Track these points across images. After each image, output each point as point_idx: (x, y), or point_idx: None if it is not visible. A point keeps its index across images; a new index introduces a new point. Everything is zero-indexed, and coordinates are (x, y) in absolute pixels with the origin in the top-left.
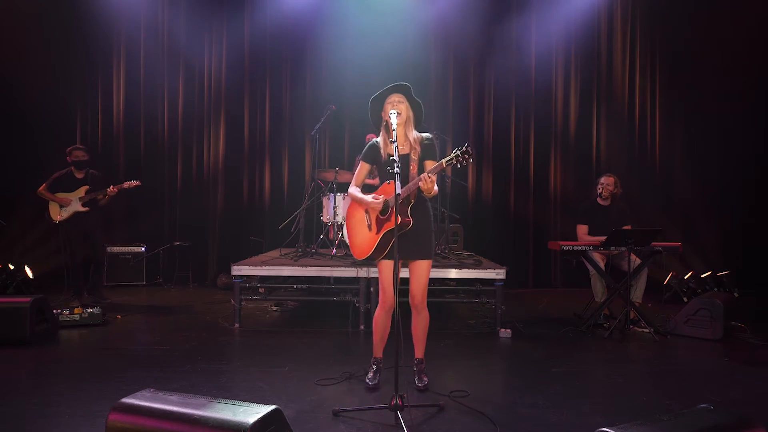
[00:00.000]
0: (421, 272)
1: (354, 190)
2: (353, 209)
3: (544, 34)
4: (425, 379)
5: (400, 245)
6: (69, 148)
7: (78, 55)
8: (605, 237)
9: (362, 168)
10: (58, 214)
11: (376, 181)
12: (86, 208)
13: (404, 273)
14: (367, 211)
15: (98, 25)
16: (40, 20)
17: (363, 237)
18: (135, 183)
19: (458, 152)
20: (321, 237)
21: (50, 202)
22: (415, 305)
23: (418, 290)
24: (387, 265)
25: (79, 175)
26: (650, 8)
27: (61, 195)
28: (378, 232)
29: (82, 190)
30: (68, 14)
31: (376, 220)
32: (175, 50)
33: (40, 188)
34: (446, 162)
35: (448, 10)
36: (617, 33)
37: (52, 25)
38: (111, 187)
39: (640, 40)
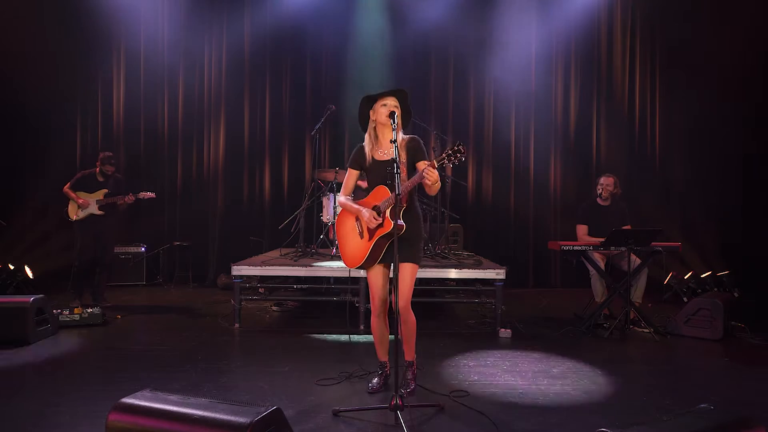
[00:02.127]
0: (405, 275)
1: (344, 199)
2: (343, 217)
3: (544, 34)
4: (412, 384)
5: (388, 249)
6: (105, 154)
7: (78, 55)
8: (605, 237)
9: (350, 175)
10: (75, 213)
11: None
12: (102, 212)
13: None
14: (357, 219)
15: (98, 25)
16: (41, 20)
17: (355, 245)
18: (150, 195)
19: (449, 151)
20: (321, 237)
21: (71, 201)
22: (399, 309)
23: (403, 294)
24: (376, 270)
25: (101, 178)
26: (650, 8)
27: (81, 195)
28: (370, 239)
29: (100, 194)
30: (68, 14)
31: (368, 227)
32: (175, 50)
33: (65, 187)
34: (438, 162)
35: (448, 9)
36: (617, 33)
37: (52, 25)
38: (129, 195)
39: (640, 40)
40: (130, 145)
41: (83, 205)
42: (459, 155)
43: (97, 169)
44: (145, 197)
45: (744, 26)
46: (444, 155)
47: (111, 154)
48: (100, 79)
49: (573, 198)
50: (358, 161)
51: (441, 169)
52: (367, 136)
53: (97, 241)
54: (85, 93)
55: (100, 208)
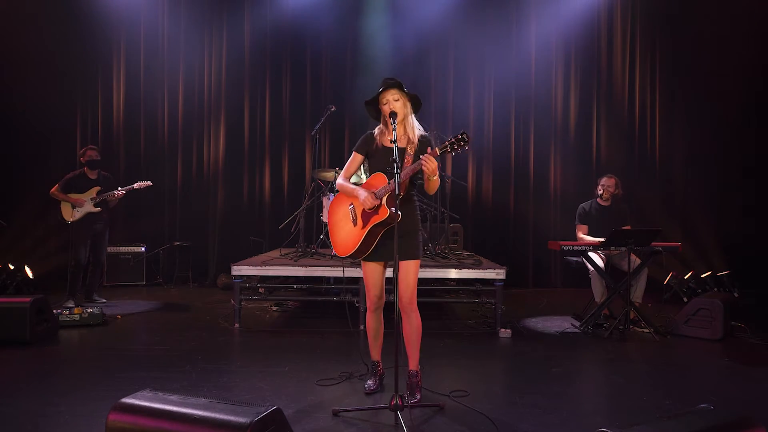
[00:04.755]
0: (408, 273)
1: (343, 181)
2: (337, 205)
3: (544, 34)
4: (418, 395)
5: (384, 244)
6: (83, 149)
7: (78, 55)
8: (605, 237)
9: (354, 159)
10: (70, 214)
11: None
12: (98, 209)
13: (389, 273)
14: (352, 206)
15: (98, 25)
16: (41, 20)
17: (347, 232)
18: (146, 183)
19: (453, 139)
20: (321, 237)
21: (62, 203)
22: (403, 306)
23: (406, 291)
24: (372, 267)
25: (92, 176)
26: (650, 8)
27: (74, 196)
28: (364, 227)
29: (93, 191)
30: (68, 14)
31: (362, 214)
32: (175, 50)
33: (53, 189)
34: (440, 150)
35: (449, 9)
36: (617, 33)
37: (52, 26)
38: (118, 189)
39: (640, 40)
40: (130, 145)
41: (78, 204)
42: (462, 143)
43: (85, 168)
44: (142, 186)
45: (744, 26)
46: (447, 143)
47: (89, 145)
48: (100, 79)
49: (573, 198)
50: (365, 146)
51: (443, 158)
52: (381, 124)
53: (93, 239)
54: (85, 93)
55: (95, 205)
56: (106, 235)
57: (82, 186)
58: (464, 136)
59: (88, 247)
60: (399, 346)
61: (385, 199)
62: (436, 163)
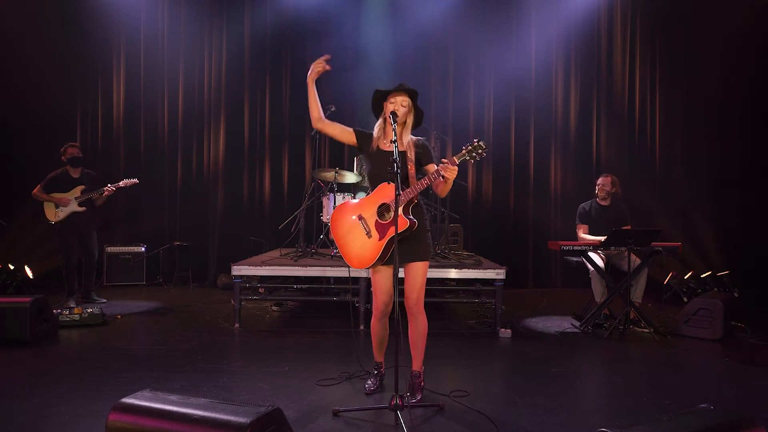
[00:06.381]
0: (417, 274)
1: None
2: (340, 216)
3: (544, 34)
4: (419, 395)
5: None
6: (63, 147)
7: (78, 55)
8: (605, 237)
9: (345, 129)
10: (54, 214)
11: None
12: (83, 208)
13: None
14: (362, 218)
15: (98, 25)
16: (41, 20)
17: (362, 245)
18: (133, 181)
19: (470, 146)
20: (321, 237)
21: (45, 203)
22: (410, 307)
23: (413, 293)
24: (381, 271)
25: (75, 174)
26: (650, 8)
27: (57, 195)
28: (381, 239)
29: (77, 190)
30: (68, 14)
31: (377, 225)
32: (175, 50)
33: (35, 190)
34: (459, 158)
35: (449, 9)
36: (617, 33)
37: (52, 25)
38: (108, 186)
39: (640, 40)
40: (130, 145)
41: (63, 204)
42: (481, 151)
43: (67, 166)
44: (128, 185)
45: (744, 26)
46: (465, 151)
47: (69, 143)
48: (100, 78)
49: (573, 198)
50: (362, 139)
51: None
52: (378, 124)
53: (80, 239)
54: (85, 93)
55: (80, 204)
56: (94, 234)
57: (65, 185)
58: (481, 143)
59: (77, 247)
60: (400, 346)
61: (401, 209)
62: (456, 171)
